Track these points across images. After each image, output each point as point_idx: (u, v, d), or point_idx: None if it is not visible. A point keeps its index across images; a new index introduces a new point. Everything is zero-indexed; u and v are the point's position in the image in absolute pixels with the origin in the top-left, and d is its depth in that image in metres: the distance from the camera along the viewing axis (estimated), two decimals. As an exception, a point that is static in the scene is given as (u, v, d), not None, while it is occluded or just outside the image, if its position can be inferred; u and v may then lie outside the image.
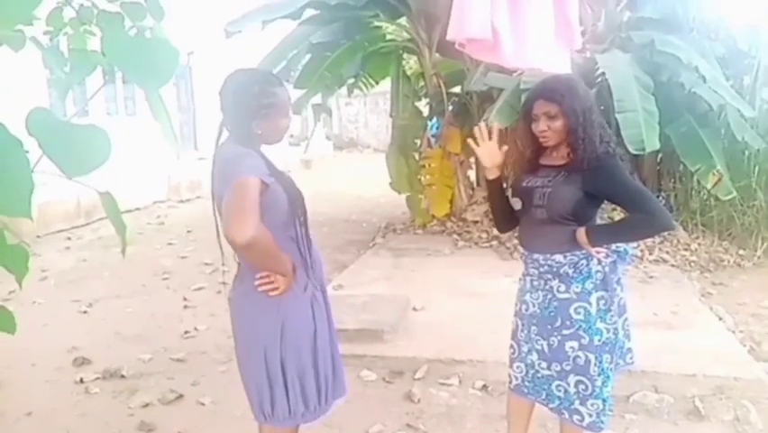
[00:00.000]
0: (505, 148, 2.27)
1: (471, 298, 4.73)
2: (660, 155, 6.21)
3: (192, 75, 14.07)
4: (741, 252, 5.64)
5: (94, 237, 7.72)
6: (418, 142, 7.39)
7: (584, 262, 2.09)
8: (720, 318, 4.15)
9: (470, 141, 2.33)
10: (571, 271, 2.11)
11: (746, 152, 5.72)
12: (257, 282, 1.84)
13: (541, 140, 2.15)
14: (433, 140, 7.15)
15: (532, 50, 3.78)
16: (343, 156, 19.76)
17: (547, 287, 2.14)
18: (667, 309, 4.25)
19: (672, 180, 6.40)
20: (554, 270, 2.12)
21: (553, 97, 2.09)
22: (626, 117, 4.85)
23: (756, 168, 5.66)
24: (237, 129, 1.86)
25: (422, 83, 7.66)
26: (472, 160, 7.23)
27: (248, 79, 1.87)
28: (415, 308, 4.49)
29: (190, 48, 13.21)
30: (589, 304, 2.08)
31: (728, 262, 5.46)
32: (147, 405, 3.22)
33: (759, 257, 5.52)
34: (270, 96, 1.86)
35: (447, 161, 6.92)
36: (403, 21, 7.34)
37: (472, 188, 7.19)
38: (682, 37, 5.41)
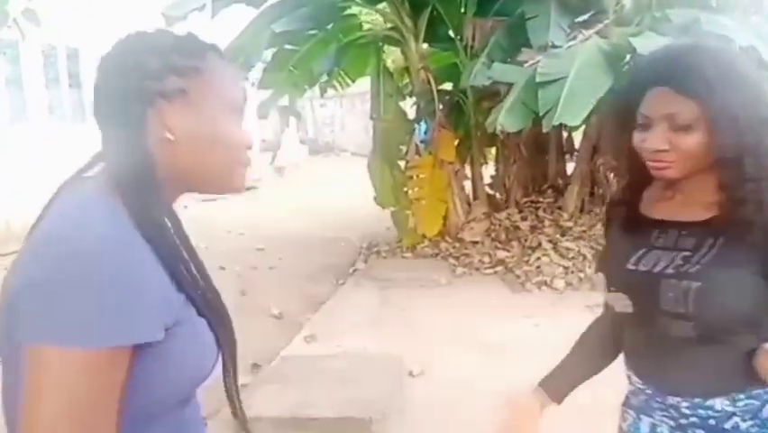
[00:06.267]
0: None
1: (484, 353, 3.65)
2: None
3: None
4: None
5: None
6: (404, 148, 6.31)
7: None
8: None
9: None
10: (745, 425, 1.08)
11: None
12: None
13: (651, 167, 1.08)
14: (421, 146, 6.07)
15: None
16: (319, 161, 18.63)
17: None
18: None
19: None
20: (711, 423, 1.09)
21: (689, 86, 1.02)
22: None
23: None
24: (118, 153, 0.80)
25: (407, 79, 6.59)
26: (468, 169, 6.20)
27: (141, 46, 0.84)
28: (411, 374, 3.41)
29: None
30: None
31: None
32: None
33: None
34: (191, 59, 0.84)
35: (439, 170, 5.86)
36: (383, 6, 6.26)
37: (469, 203, 6.12)
38: (728, 15, 4.43)
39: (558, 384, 1.30)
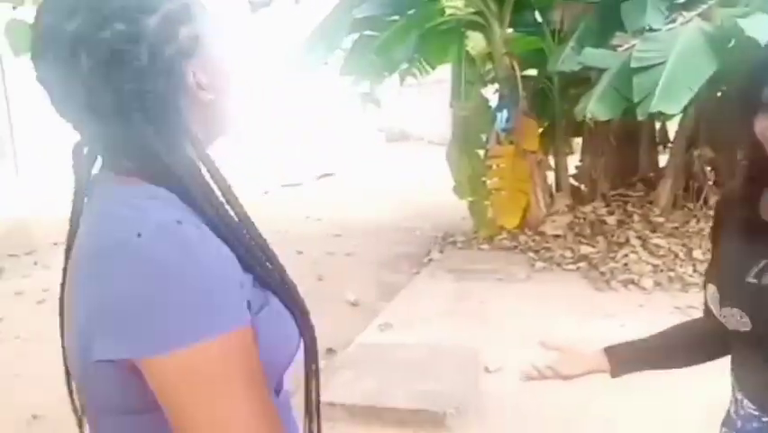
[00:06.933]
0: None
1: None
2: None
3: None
4: None
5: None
6: (484, 137, 6.14)
7: None
8: None
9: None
10: None
11: None
12: None
13: None
14: (502, 135, 5.87)
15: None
16: (396, 149, 18.61)
17: None
18: None
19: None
20: None
21: None
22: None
23: None
24: (154, 140, 0.69)
25: (489, 65, 6.39)
26: (552, 159, 5.96)
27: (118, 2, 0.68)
28: (487, 369, 3.31)
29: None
30: None
31: None
32: None
33: None
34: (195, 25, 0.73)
35: (521, 160, 5.66)
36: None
37: (551, 195, 5.89)
38: None
39: (623, 359, 1.21)
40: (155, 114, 0.68)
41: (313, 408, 0.83)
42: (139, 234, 0.63)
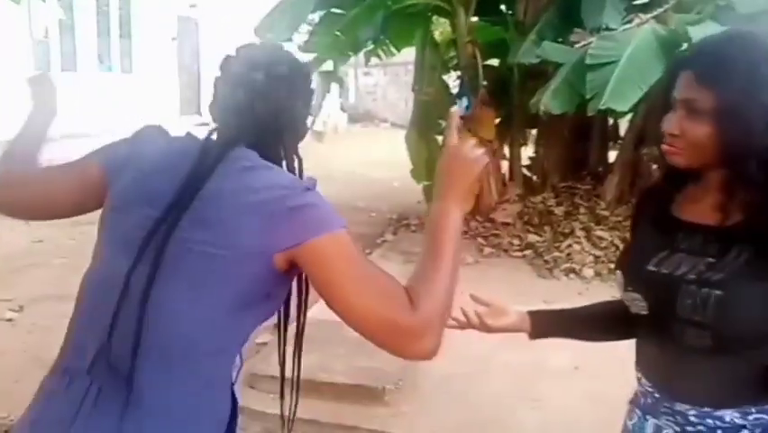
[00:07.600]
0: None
1: (502, 334, 3.63)
2: None
3: (198, 30, 12.92)
4: None
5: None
6: (443, 122, 6.21)
7: None
8: None
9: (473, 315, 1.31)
10: None
11: None
12: None
13: (663, 150, 1.07)
14: (460, 122, 5.94)
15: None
16: (358, 130, 18.57)
17: None
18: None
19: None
20: None
21: (707, 74, 1.00)
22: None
23: None
24: (289, 138, 1.15)
25: (452, 52, 6.44)
26: (507, 149, 6.08)
27: (299, 64, 1.15)
28: (429, 348, 3.41)
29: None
30: None
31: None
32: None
33: None
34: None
35: (476, 148, 5.75)
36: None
37: (504, 183, 6.03)
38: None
39: (543, 323, 1.29)
40: (295, 131, 1.15)
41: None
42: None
